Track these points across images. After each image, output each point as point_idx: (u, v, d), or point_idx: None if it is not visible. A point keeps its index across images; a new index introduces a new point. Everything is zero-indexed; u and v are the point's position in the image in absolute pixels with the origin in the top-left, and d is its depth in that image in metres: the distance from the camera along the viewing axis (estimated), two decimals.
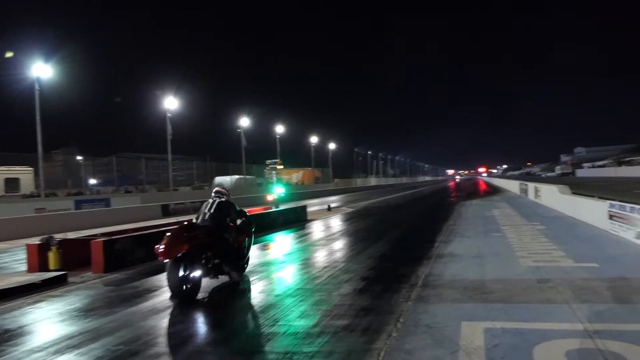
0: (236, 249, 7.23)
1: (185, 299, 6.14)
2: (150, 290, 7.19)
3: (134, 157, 40.99)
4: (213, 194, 7.43)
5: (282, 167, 23.26)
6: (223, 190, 7.50)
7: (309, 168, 63.84)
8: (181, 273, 6.10)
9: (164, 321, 5.59)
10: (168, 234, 6.26)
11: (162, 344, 4.79)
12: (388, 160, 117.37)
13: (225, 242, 6.91)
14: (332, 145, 69.59)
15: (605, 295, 5.56)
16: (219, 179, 41.88)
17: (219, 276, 7.01)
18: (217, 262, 6.76)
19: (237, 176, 42.60)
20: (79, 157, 39.89)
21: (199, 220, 7.00)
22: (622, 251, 8.26)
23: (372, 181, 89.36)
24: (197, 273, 6.34)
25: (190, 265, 6.19)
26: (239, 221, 7.40)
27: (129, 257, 9.49)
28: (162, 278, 8.23)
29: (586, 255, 7.97)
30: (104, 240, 9.11)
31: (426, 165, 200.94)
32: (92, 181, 39.42)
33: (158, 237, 10.67)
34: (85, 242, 9.40)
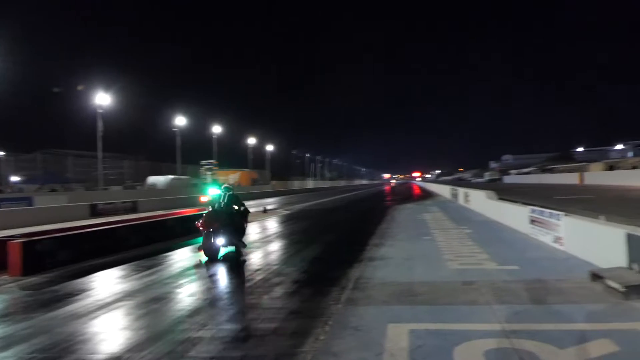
0: (242, 228, 10.14)
1: (213, 257, 9.26)
2: (72, 295, 6.86)
3: (61, 153, 39.01)
4: (222, 188, 10.16)
5: (217, 167, 22.85)
6: (229, 186, 10.40)
7: (246, 169, 63.26)
8: (212, 240, 9.23)
9: (84, 327, 5.35)
10: (204, 214, 9.76)
11: (81, 350, 4.58)
12: (326, 163, 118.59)
13: (237, 223, 9.86)
14: (270, 147, 69.37)
15: (523, 297, 5.85)
16: (152, 179, 40.72)
17: (228, 246, 9.82)
18: (231, 236, 9.53)
19: (171, 176, 41.46)
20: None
21: (216, 206, 9.86)
22: (541, 254, 8.74)
23: (310, 184, 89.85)
24: (220, 241, 9.39)
25: (216, 236, 9.26)
26: (242, 208, 10.15)
27: (51, 259, 9.00)
28: (86, 281, 7.92)
29: (508, 258, 8.37)
30: (22, 242, 8.60)
31: (363, 169, 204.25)
32: (14, 178, 37.16)
33: (83, 238, 10.30)
34: (2, 243, 8.84)
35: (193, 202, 28.11)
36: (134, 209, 26.30)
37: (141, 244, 11.76)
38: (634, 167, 42.36)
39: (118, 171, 45.15)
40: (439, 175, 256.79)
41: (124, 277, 8.25)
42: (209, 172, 21.93)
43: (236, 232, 9.74)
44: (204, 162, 22.15)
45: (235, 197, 10.16)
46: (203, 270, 8.56)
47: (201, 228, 9.44)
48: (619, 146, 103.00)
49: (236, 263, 9.27)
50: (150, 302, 6.39)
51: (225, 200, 9.89)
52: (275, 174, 75.29)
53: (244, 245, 9.87)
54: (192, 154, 46.29)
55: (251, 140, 62.77)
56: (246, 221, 10.48)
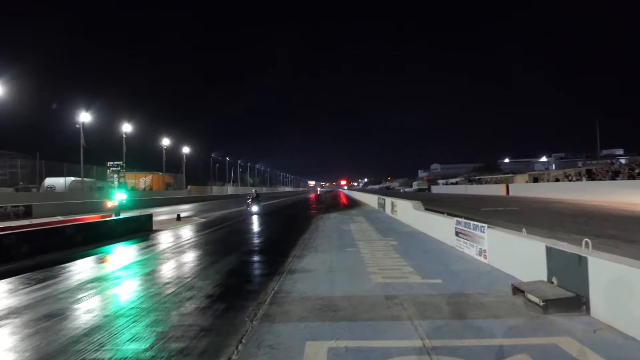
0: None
1: (253, 212, 26.82)
2: None
3: None
4: (253, 191, 29.17)
5: (124, 170, 21.97)
6: (257, 190, 28.67)
7: (159, 173, 61.24)
8: (251, 203, 27.97)
9: None
10: (254, 194, 29.67)
11: None
12: (247, 168, 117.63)
13: (260, 200, 28.64)
14: (186, 149, 67.48)
15: (445, 311, 6.06)
16: (50, 180, 38.44)
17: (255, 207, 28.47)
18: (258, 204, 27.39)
19: (72, 178, 39.37)
20: None
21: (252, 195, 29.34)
22: (465, 267, 9.12)
23: (229, 190, 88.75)
24: (255, 208, 27.17)
25: (254, 204, 27.46)
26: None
27: None
28: None
29: (432, 272, 8.66)
30: None
31: (287, 175, 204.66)
32: None
33: None
34: None
35: (98, 208, 26.92)
36: (27, 213, 24.81)
37: (34, 254, 11.12)
38: (557, 180, 45.39)
39: (11, 171, 42.26)
40: (366, 184, 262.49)
41: (10, 291, 7.75)
42: (116, 175, 20.98)
43: (259, 204, 27.97)
44: (110, 163, 21.19)
45: (259, 193, 29.07)
46: (105, 284, 8.20)
47: (249, 201, 27.87)
48: (543, 158, 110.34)
49: (144, 275, 8.96)
50: (41, 320, 6.02)
51: (255, 195, 28.05)
52: (192, 178, 73.71)
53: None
54: (99, 154, 44.28)
55: (165, 142, 60.69)
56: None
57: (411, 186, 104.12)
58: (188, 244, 14.16)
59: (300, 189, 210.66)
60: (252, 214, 26.96)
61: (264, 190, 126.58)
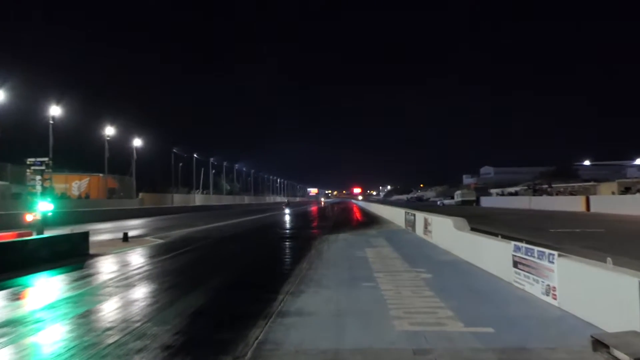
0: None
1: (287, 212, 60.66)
2: None
3: None
4: (286, 201, 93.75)
5: (50, 170, 21.89)
6: (289, 202, 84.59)
7: (100, 174, 60.76)
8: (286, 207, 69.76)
9: None
10: (286, 202, 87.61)
11: None
12: (223, 169, 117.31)
13: (288, 204, 76.99)
14: (137, 142, 66.91)
15: None
16: None
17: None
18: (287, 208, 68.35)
19: None
20: None
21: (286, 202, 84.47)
22: (525, 311, 9.10)
23: (198, 199, 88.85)
24: (287, 210, 64.86)
25: (286, 208, 67.62)
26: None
27: None
28: None
29: (480, 317, 8.64)
30: None
31: (280, 180, 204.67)
32: None
33: None
34: None
35: (13, 222, 26.90)
36: None
37: None
38: None
39: None
40: (389, 193, 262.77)
41: None
42: (39, 177, 20.82)
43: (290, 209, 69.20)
44: (31, 160, 20.97)
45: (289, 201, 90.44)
46: (21, 330, 8.19)
47: (284, 205, 73.69)
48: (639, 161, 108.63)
49: (77, 317, 8.97)
50: None
51: (287, 201, 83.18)
52: (145, 183, 73.53)
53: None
54: (17, 148, 43.95)
55: (109, 131, 59.67)
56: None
57: (452, 197, 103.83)
58: (139, 274, 14.17)
59: (298, 198, 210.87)
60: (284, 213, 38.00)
61: (246, 200, 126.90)
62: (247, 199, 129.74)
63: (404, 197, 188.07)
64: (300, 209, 76.60)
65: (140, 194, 67.50)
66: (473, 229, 17.67)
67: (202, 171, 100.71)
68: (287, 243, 23.79)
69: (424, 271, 13.70)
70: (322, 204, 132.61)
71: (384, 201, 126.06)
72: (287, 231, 31.77)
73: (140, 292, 11.46)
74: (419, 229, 25.17)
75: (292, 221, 44.05)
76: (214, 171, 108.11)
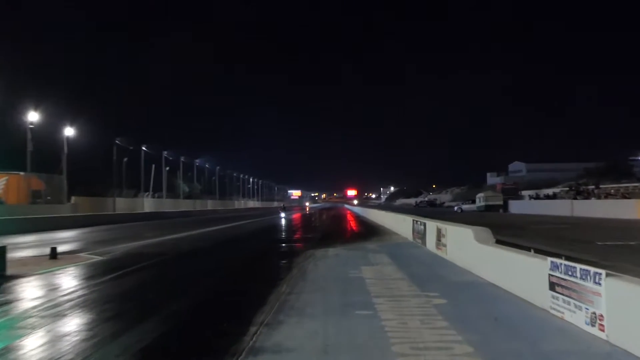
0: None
1: (283, 216, 77.77)
2: None
3: None
4: (282, 205, 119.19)
5: None
6: (285, 206, 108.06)
7: (20, 173, 60.08)
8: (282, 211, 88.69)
9: None
10: (282, 206, 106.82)
11: None
12: (181, 166, 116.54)
13: (284, 209, 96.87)
14: (70, 132, 66.10)
15: None
16: None
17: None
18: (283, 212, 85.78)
19: None
20: None
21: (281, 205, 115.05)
22: (565, 347, 9.10)
23: (148, 204, 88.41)
24: (283, 214, 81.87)
25: (283, 212, 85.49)
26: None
27: None
28: None
29: (508, 354, 8.64)
30: None
31: (252, 180, 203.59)
32: None
33: None
34: None
35: None
36: None
37: None
38: None
39: None
40: (392, 196, 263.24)
41: None
42: None
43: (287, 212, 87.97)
44: None
45: (285, 206, 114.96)
46: None
47: (280, 210, 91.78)
48: None
49: None
50: None
51: (284, 205, 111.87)
52: (81, 184, 72.96)
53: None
54: None
55: (33, 117, 58.62)
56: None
57: (473, 201, 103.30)
58: (72, 300, 14.08)
59: (275, 203, 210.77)
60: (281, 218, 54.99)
61: (209, 205, 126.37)
62: (210, 204, 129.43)
63: (411, 200, 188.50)
64: (278, 218, 76.46)
65: (73, 198, 66.77)
66: (499, 242, 17.67)
67: (153, 169, 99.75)
68: (261, 261, 23.80)
69: (436, 295, 13.70)
70: (308, 210, 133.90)
71: (387, 206, 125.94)
72: (262, 245, 31.67)
73: (74, 324, 11.39)
74: (431, 242, 25.18)
75: (268, 232, 44.03)
76: (167, 168, 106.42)
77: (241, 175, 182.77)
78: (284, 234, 42.59)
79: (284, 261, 22.16)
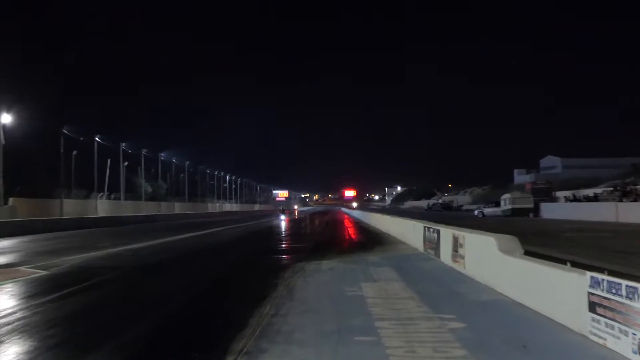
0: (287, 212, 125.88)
1: (282, 218, 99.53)
2: None
3: None
4: (281, 208, 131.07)
5: None
6: (284, 209, 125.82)
7: None
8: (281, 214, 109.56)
9: None
10: (281, 209, 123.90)
11: None
12: (143, 161, 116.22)
13: (287, 211, 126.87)
14: (6, 119, 65.99)
15: None
16: None
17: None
18: (282, 214, 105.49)
19: None
20: None
21: (280, 208, 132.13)
22: None
23: (102, 207, 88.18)
24: (282, 216, 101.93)
25: (282, 214, 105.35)
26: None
27: None
28: None
29: None
30: None
31: (230, 178, 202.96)
32: None
33: None
34: None
35: None
36: None
37: None
38: None
39: None
40: (399, 197, 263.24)
41: None
42: None
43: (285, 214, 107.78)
44: None
45: (284, 209, 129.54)
46: None
47: (279, 213, 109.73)
48: None
49: None
50: None
51: (282, 208, 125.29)
52: (20, 182, 72.77)
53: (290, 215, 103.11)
54: None
55: None
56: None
57: (497, 203, 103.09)
58: (9, 324, 14.06)
59: (257, 206, 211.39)
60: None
61: (177, 208, 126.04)
62: (178, 207, 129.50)
63: (423, 203, 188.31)
64: (260, 224, 76.48)
65: (11, 200, 66.51)
66: (528, 253, 17.66)
67: (109, 164, 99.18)
68: (240, 276, 23.75)
69: (452, 318, 13.72)
70: (297, 214, 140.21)
71: (393, 210, 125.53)
72: (240, 258, 31.60)
73: (12, 352, 11.37)
74: (446, 253, 25.19)
75: (248, 242, 44.07)
76: (126, 164, 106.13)
77: (216, 173, 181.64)
78: (267, 243, 42.28)
79: (267, 277, 22.08)
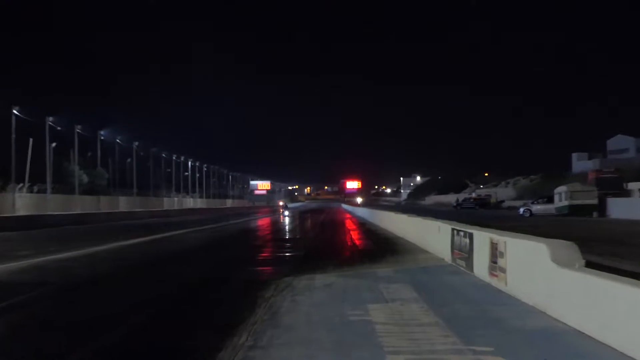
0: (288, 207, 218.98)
1: (285, 214, 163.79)
2: None
3: None
4: (281, 202, 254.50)
5: None
6: (285, 203, 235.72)
7: None
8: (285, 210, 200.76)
9: None
10: (281, 203, 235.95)
11: None
12: (76, 140, 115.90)
13: (286, 207, 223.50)
14: None
15: None
16: None
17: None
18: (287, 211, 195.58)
19: None
20: None
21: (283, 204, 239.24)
22: None
23: (22, 203, 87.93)
24: (287, 212, 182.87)
25: (285, 210, 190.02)
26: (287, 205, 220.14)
27: None
28: None
29: None
30: None
31: (192, 164, 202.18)
32: None
33: None
34: None
35: None
36: None
37: None
38: None
39: None
40: (418, 191, 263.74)
41: None
42: None
43: (288, 210, 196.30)
44: None
45: (286, 204, 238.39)
46: None
47: (280, 209, 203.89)
48: None
49: None
50: None
51: (283, 203, 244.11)
52: None
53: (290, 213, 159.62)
54: None
55: None
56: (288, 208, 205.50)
57: (549, 199, 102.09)
58: None
59: (230, 202, 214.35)
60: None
61: (122, 203, 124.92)
62: (124, 203, 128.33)
63: (450, 198, 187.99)
64: (233, 225, 76.53)
65: None
66: (591, 265, 17.63)
67: (31, 145, 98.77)
68: (206, 295, 23.65)
69: (489, 352, 13.69)
70: (282, 212, 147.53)
71: (410, 207, 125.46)
72: (207, 270, 31.40)
73: None
74: (481, 265, 25.09)
75: (217, 249, 43.96)
76: (54, 145, 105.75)
77: (174, 157, 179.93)
78: (242, 251, 42.34)
79: (243, 296, 22.04)
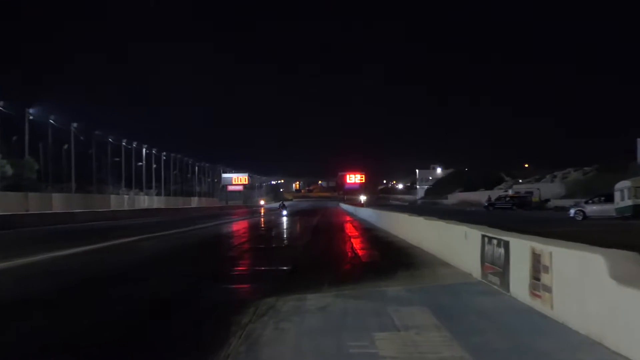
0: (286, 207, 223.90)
1: (283, 213, 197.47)
2: None
3: None
4: (280, 203, 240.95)
5: None
6: (284, 204, 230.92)
7: None
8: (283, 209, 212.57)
9: None
10: (282, 204, 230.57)
11: None
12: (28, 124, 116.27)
13: (284, 206, 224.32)
14: None
15: None
16: None
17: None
18: (285, 210, 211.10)
19: None
20: None
21: (280, 203, 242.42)
22: None
23: None
24: (285, 211, 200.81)
25: (283, 209, 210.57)
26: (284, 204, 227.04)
27: None
28: None
29: None
30: None
31: (147, 151, 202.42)
32: None
33: None
34: None
35: None
36: None
37: None
38: None
39: None
40: (439, 186, 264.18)
41: None
42: None
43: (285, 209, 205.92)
44: None
45: (284, 203, 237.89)
46: None
47: (280, 208, 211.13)
48: None
49: None
50: None
51: (283, 203, 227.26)
52: None
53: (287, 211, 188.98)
54: None
55: None
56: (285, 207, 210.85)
57: (608, 197, 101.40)
58: None
59: (196, 200, 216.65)
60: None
61: (55, 202, 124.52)
62: (59, 200, 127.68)
63: (480, 195, 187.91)
64: (202, 230, 76.76)
65: None
66: None
67: None
68: (161, 321, 23.59)
69: None
70: (263, 210, 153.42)
71: (427, 207, 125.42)
72: (169, 289, 31.30)
73: None
74: (519, 282, 25.02)
75: (179, 259, 44.08)
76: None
77: (123, 143, 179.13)
78: (212, 264, 42.28)
79: (213, 322, 22.01)
